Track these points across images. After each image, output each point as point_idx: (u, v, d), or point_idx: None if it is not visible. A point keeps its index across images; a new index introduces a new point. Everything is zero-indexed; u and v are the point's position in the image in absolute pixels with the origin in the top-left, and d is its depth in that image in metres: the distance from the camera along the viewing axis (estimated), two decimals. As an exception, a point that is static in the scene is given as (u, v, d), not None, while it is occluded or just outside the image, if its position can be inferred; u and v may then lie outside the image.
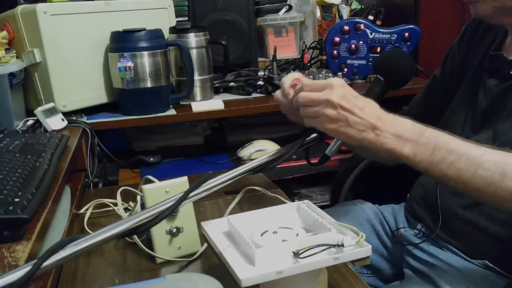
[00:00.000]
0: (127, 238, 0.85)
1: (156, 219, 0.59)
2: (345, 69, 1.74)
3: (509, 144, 0.81)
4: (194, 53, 1.48)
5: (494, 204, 0.76)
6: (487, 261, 0.90)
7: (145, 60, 1.38)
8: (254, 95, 1.59)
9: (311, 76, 1.57)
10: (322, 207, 0.75)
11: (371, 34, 1.70)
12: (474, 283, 0.89)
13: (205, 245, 0.81)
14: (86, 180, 1.25)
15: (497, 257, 0.89)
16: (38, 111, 1.24)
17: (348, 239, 0.63)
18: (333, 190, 1.52)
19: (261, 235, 0.67)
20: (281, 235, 0.67)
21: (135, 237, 0.81)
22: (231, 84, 1.63)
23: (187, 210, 0.80)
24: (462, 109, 1.00)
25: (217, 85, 1.62)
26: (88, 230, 0.93)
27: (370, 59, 1.73)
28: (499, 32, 0.98)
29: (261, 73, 1.71)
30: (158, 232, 0.79)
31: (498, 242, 0.89)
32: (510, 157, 0.73)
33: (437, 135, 0.75)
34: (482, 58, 0.99)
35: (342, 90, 0.73)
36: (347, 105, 0.72)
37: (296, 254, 0.60)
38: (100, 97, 1.45)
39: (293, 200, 0.87)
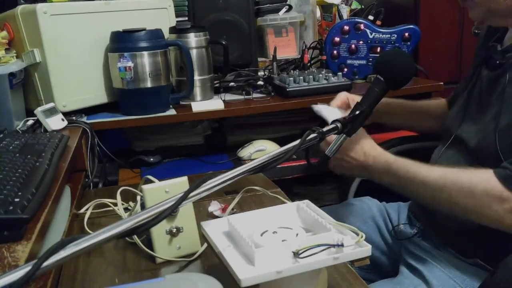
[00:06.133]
0: (127, 238, 0.85)
1: (156, 219, 0.58)
2: (345, 69, 1.74)
3: (487, 138, 0.87)
4: (194, 53, 1.48)
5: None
6: (478, 260, 0.92)
7: (145, 60, 1.38)
8: (254, 95, 1.59)
9: (311, 76, 1.57)
10: (322, 206, 0.75)
11: (371, 34, 1.70)
12: (462, 279, 0.92)
13: (205, 245, 0.81)
14: (86, 180, 1.25)
15: (488, 257, 0.91)
16: (38, 111, 1.24)
17: (348, 239, 0.63)
18: (342, 187, 1.51)
19: (261, 235, 0.67)
20: (281, 235, 0.67)
21: (135, 237, 0.81)
22: (231, 84, 1.63)
23: (187, 210, 0.81)
24: (462, 97, 1.03)
25: (217, 85, 1.61)
26: (88, 230, 0.93)
27: (370, 59, 1.73)
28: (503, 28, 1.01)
29: (261, 73, 1.71)
30: (158, 232, 0.79)
31: (486, 245, 0.90)
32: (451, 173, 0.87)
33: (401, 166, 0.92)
34: (485, 50, 1.02)
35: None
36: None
37: (296, 254, 0.60)
38: (100, 97, 1.45)
39: (293, 200, 0.87)
